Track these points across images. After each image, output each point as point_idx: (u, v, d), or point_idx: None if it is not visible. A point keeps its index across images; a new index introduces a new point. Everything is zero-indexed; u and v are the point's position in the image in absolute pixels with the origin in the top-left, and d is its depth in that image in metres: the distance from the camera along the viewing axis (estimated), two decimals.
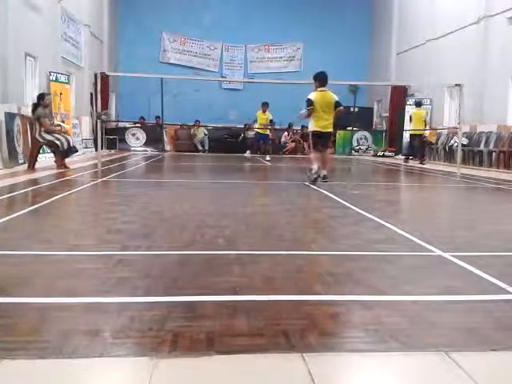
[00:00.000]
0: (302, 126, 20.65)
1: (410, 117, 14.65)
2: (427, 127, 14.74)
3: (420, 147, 14.62)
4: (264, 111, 15.25)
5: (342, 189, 7.53)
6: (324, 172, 7.84)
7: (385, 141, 20.28)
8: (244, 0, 21.83)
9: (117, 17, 20.99)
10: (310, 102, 7.97)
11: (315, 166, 7.81)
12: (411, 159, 15.25)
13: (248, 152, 15.69)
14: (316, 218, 4.92)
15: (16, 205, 5.43)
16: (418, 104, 15.05)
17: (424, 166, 13.54)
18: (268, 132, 15.93)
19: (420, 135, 14.51)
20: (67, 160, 9.78)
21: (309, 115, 8.06)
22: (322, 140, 8.05)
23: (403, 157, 15.61)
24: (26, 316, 2.09)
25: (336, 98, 8.05)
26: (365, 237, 3.91)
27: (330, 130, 8.13)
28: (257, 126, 15.79)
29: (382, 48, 21.31)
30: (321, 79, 8.10)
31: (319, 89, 8.04)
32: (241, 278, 2.66)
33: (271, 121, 15.33)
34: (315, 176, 7.74)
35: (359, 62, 21.56)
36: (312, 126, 8.09)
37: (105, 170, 9.53)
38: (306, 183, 7.72)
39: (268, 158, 15.07)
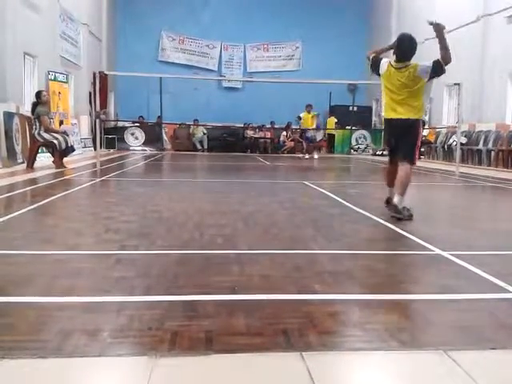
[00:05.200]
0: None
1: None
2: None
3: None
4: (309, 111, 15.86)
5: (341, 187, 7.54)
6: (395, 198, 4.73)
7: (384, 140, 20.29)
8: None
9: (115, 16, 20.97)
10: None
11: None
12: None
13: (307, 155, 16.21)
14: (315, 216, 4.92)
15: (15, 204, 5.42)
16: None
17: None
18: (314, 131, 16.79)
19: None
20: (65, 159, 9.79)
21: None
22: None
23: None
24: (25, 315, 2.09)
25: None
26: (364, 235, 3.91)
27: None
28: (302, 126, 16.45)
29: (381, 47, 21.30)
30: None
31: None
32: (240, 277, 2.66)
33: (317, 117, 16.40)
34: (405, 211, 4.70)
35: (358, 61, 21.40)
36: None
37: (104, 170, 9.53)
38: (306, 183, 7.69)
39: (316, 156, 16.35)
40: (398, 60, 4.87)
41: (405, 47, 4.88)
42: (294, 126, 19.06)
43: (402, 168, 4.77)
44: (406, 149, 4.83)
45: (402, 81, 4.78)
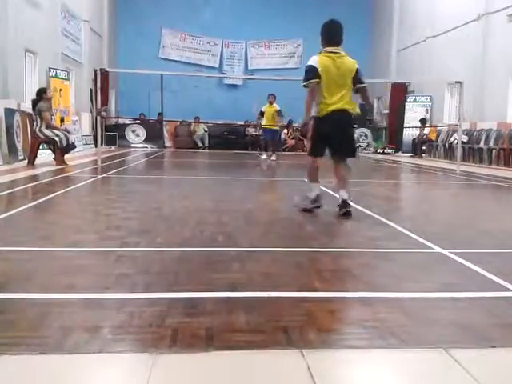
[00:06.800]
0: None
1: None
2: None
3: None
4: (271, 103, 13.08)
5: None
6: (344, 194, 4.64)
7: (385, 138, 20.28)
8: None
9: (116, 12, 20.94)
10: (311, 72, 4.64)
11: (313, 192, 4.79)
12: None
13: (264, 155, 13.16)
14: (316, 214, 4.92)
15: (16, 201, 5.43)
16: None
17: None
18: (277, 127, 13.54)
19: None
20: (66, 156, 9.80)
21: (311, 96, 4.63)
22: (334, 135, 4.66)
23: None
24: (26, 312, 2.09)
25: (357, 65, 4.94)
26: (364, 234, 3.91)
27: (347, 109, 4.67)
28: (263, 121, 13.26)
29: (383, 45, 21.28)
30: (330, 32, 4.93)
31: (328, 49, 4.83)
32: (240, 275, 2.66)
33: (279, 112, 13.05)
34: (313, 204, 4.77)
35: (359, 59, 20.88)
36: (316, 110, 4.70)
37: (104, 167, 9.52)
38: (307, 180, 7.66)
39: (274, 157, 13.01)
40: (329, 45, 4.86)
41: (335, 31, 4.92)
42: (294, 124, 19.02)
43: (343, 166, 4.79)
44: (351, 144, 4.91)
45: (340, 67, 4.73)
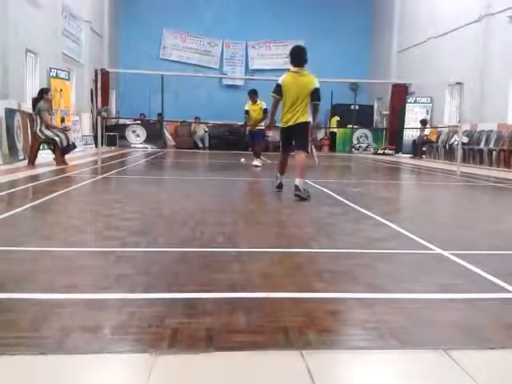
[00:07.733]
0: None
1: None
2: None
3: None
4: (254, 101, 11.12)
5: (342, 186, 7.53)
6: (296, 181, 5.79)
7: (385, 139, 20.29)
8: None
9: (117, 13, 20.96)
10: (276, 88, 6.12)
11: (279, 180, 6.53)
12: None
13: (257, 161, 11.09)
14: (315, 215, 4.92)
15: (16, 201, 5.43)
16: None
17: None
18: (262, 128, 11.37)
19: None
20: (66, 156, 9.80)
21: (273, 105, 6.25)
22: (289, 138, 6.16)
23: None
24: (26, 312, 2.09)
25: (317, 84, 6.01)
26: (364, 235, 3.91)
27: (299, 121, 5.95)
28: (251, 123, 11.42)
29: (383, 46, 21.29)
30: (295, 55, 6.16)
31: (293, 69, 6.09)
32: (240, 275, 2.67)
33: (265, 110, 10.75)
34: (277, 189, 6.50)
35: (360, 60, 21.54)
36: (279, 120, 6.28)
37: (105, 167, 9.53)
38: (306, 181, 7.68)
39: (257, 162, 11.04)
40: (294, 66, 6.07)
41: (298, 54, 6.10)
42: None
43: (302, 154, 5.97)
44: (303, 143, 6.07)
45: (299, 84, 5.93)
